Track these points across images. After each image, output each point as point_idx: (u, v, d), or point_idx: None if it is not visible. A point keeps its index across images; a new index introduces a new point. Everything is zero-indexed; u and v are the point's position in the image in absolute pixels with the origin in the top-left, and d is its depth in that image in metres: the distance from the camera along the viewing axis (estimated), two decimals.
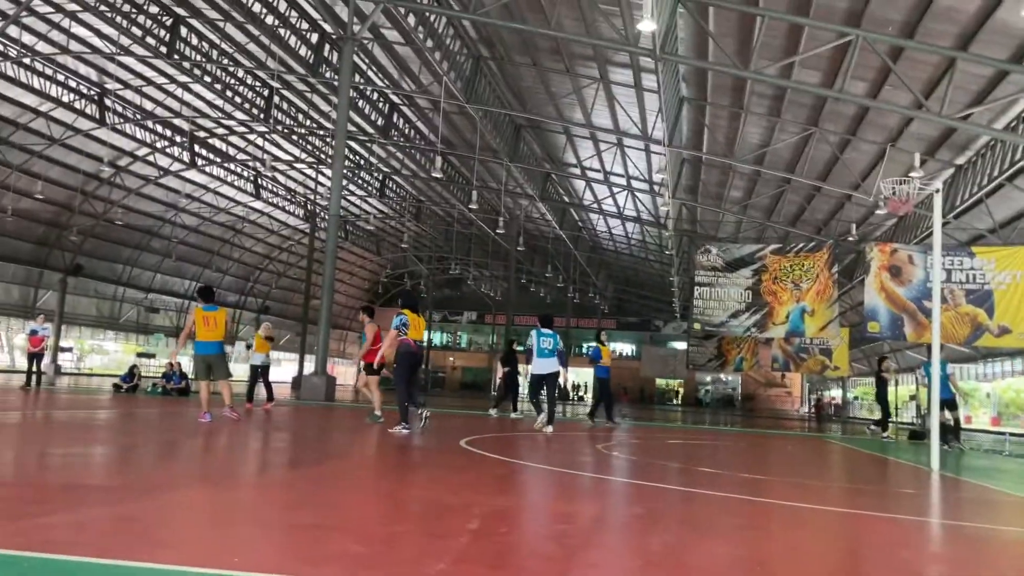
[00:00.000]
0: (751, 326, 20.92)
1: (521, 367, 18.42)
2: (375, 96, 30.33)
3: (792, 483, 7.88)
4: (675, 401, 63.02)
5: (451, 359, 68.70)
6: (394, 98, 30.77)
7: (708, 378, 63.26)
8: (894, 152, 19.81)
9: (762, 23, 15.65)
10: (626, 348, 67.87)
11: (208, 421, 9.93)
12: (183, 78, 29.61)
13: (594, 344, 16.51)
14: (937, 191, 9.26)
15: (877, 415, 19.69)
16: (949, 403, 16.29)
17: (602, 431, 14.05)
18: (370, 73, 27.63)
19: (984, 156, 18.18)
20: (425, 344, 10.34)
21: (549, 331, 12.33)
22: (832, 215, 27.13)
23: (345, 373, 68.18)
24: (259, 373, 15.53)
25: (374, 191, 43.07)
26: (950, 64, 15.15)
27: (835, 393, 55.26)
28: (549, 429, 11.91)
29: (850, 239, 25.48)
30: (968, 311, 16.77)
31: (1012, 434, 23.10)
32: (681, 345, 55.13)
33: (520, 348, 17.64)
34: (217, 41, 26.76)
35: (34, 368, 18.87)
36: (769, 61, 16.56)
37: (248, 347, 16.36)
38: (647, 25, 14.08)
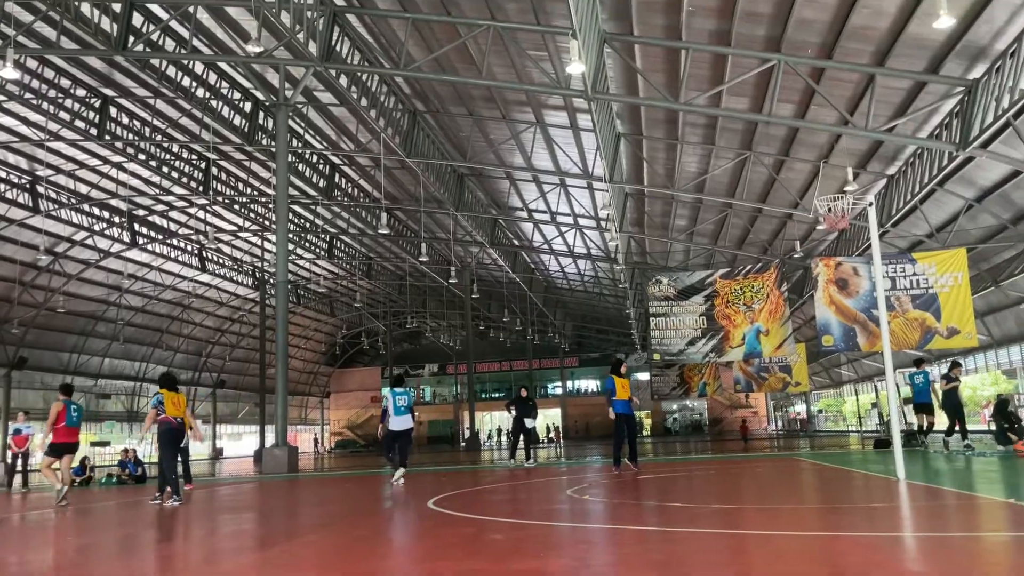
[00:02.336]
0: (709, 352, 21.04)
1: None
2: (315, 159, 30.26)
3: (764, 509, 7.81)
4: (644, 432, 63.00)
5: (416, 414, 67.74)
6: (334, 159, 30.74)
7: (675, 406, 63.50)
8: (828, 168, 20.31)
9: (687, 56, 16.02)
10: (591, 384, 67.89)
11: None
12: (117, 158, 29.18)
13: (611, 376, 14.02)
14: (870, 204, 9.47)
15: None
16: (926, 408, 16.49)
17: (621, 476, 13.45)
18: (307, 136, 27.59)
19: (913, 164, 18.73)
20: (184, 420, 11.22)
21: (402, 389, 13.17)
22: (776, 235, 27.64)
23: (308, 441, 66.84)
24: (186, 455, 15.08)
25: (322, 253, 42.75)
26: (870, 80, 15.64)
27: (799, 408, 55.80)
28: (401, 481, 12.65)
29: (795, 256, 25.93)
30: (916, 316, 17.12)
31: (973, 432, 23.44)
32: (644, 376, 55.32)
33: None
34: (149, 118, 26.50)
35: (18, 467, 18.52)
36: (698, 92, 16.92)
37: None
38: (576, 67, 14.30)
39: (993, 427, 16.17)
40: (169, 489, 11.08)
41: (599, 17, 15.56)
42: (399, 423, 12.95)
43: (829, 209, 11.15)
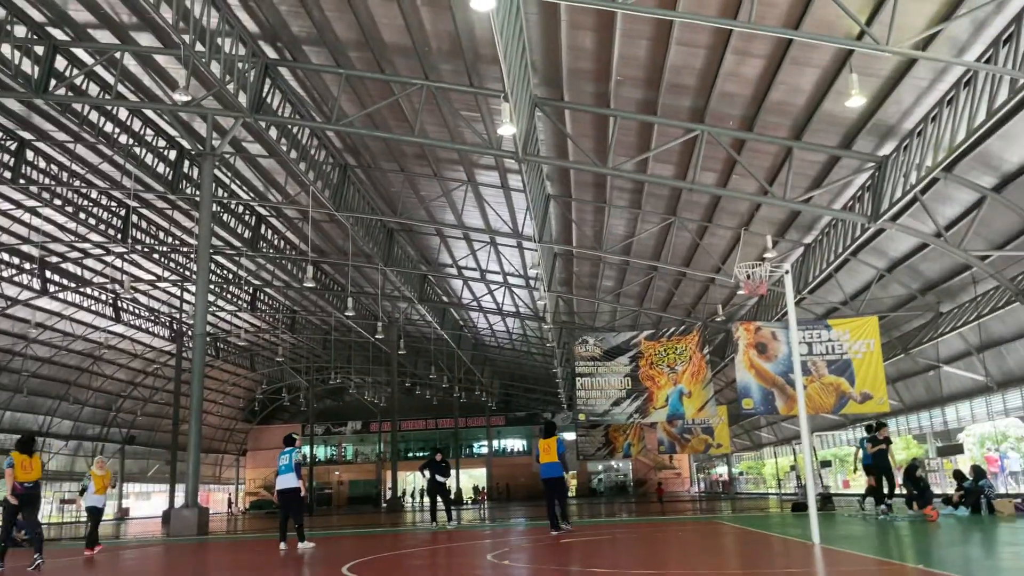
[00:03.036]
0: (633, 412, 21.15)
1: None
2: (240, 209, 29.71)
3: (685, 574, 7.75)
4: (569, 493, 62.58)
5: (336, 473, 65.91)
6: (261, 210, 30.25)
7: (600, 466, 63.36)
8: (748, 236, 20.96)
9: (615, 123, 16.47)
10: (517, 444, 67.35)
11: None
12: (31, 202, 28.09)
13: (560, 440, 14.01)
14: (787, 272, 9.74)
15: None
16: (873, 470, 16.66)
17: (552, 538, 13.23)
18: (234, 186, 27.12)
19: (828, 234, 19.49)
20: (40, 482, 11.36)
21: (289, 448, 12.94)
22: (699, 298, 28.27)
23: (221, 501, 64.18)
24: (100, 515, 14.29)
25: (245, 305, 41.71)
26: (788, 152, 16.33)
27: (722, 470, 56.39)
28: (309, 546, 12.22)
29: (717, 320, 26.51)
30: (832, 381, 17.59)
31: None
32: (570, 436, 55.15)
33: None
34: (67, 163, 25.66)
35: None
36: (625, 157, 17.35)
37: (84, 490, 14.70)
38: (507, 129, 14.51)
39: (905, 491, 16.58)
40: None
41: (531, 82, 15.90)
42: (280, 482, 12.73)
43: (748, 275, 11.44)
